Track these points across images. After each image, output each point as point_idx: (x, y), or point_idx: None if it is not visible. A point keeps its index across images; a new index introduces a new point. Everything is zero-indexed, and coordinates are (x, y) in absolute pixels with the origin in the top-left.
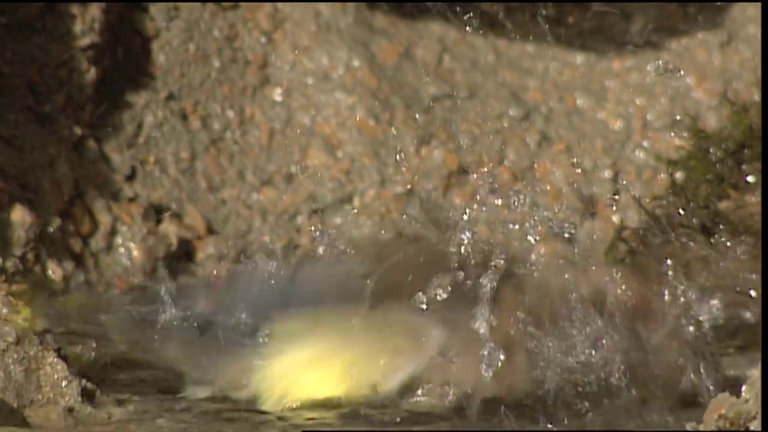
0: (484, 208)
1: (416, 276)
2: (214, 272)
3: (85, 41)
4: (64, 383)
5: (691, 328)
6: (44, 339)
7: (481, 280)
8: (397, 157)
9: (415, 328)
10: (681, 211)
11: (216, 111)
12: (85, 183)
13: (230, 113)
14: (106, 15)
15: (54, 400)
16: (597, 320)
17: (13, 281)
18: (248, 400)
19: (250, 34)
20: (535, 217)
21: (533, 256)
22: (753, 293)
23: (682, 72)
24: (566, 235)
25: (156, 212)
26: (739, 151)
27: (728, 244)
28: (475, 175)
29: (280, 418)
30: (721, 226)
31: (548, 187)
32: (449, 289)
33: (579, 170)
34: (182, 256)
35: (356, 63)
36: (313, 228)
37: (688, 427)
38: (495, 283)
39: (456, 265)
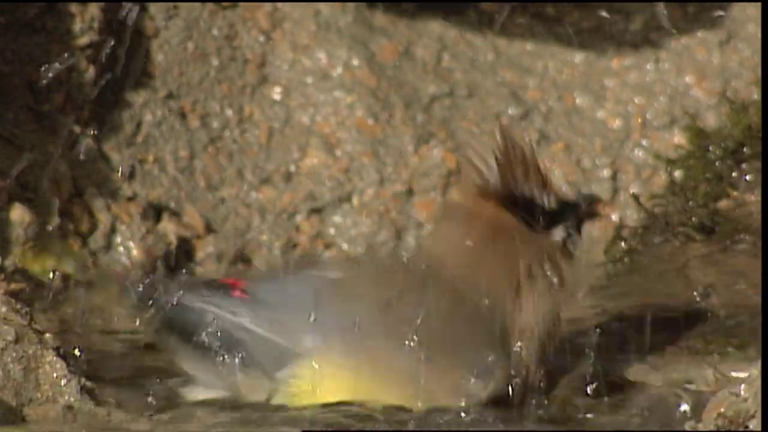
0: None
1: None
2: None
3: (84, 40)
4: (63, 382)
5: None
6: (43, 338)
7: None
8: (397, 156)
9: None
10: (680, 210)
11: (215, 110)
12: (85, 182)
13: (229, 112)
14: (105, 14)
15: (53, 398)
16: None
17: (12, 280)
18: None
19: (249, 33)
20: None
21: None
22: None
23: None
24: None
25: (155, 211)
26: (738, 149)
27: (727, 242)
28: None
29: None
30: (720, 225)
31: None
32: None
33: (578, 169)
34: (181, 255)
35: (355, 62)
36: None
37: (687, 426)
38: None
39: None
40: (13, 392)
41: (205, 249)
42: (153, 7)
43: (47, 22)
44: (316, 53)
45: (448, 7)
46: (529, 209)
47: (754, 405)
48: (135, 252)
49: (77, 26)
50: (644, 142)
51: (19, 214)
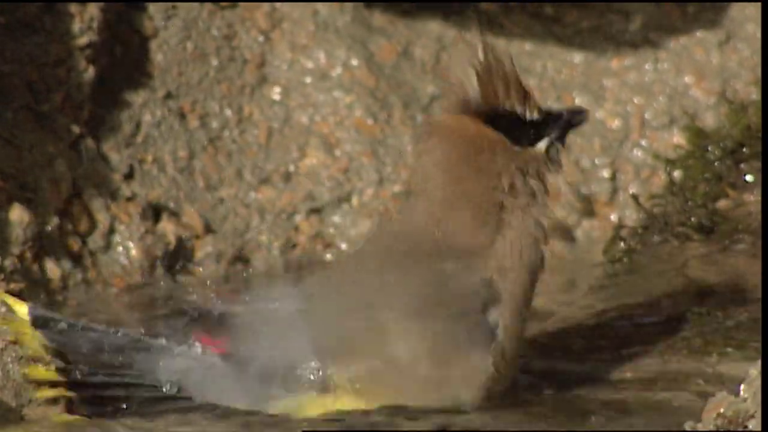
0: None
1: None
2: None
3: (83, 40)
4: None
5: None
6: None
7: None
8: (396, 155)
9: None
10: (679, 210)
11: (214, 110)
12: (84, 182)
13: (228, 112)
14: (104, 14)
15: (52, 399)
16: None
17: (11, 280)
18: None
19: (248, 33)
20: None
21: None
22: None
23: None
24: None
25: (154, 211)
26: (737, 149)
27: (726, 242)
28: None
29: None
30: (719, 225)
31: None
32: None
33: (577, 169)
34: (180, 255)
35: (354, 62)
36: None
37: (687, 426)
38: None
39: None
40: (12, 393)
41: (204, 249)
42: (152, 7)
43: (46, 22)
44: (315, 53)
45: (447, 7)
46: (511, 124)
47: (754, 405)
48: (134, 252)
49: (76, 26)
50: (643, 142)
51: (18, 214)
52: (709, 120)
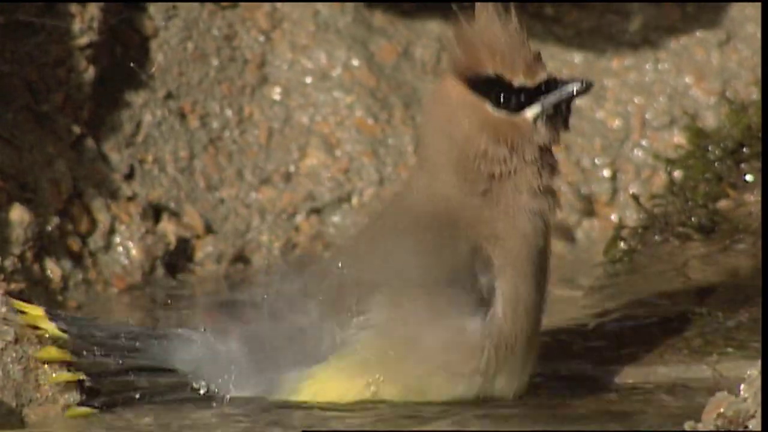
0: None
1: None
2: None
3: (83, 40)
4: (60, 382)
5: None
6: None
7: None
8: (396, 156)
9: None
10: (679, 210)
11: (215, 110)
12: (84, 182)
13: (229, 112)
14: (104, 14)
15: (53, 399)
16: None
17: (11, 280)
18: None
19: (249, 33)
20: None
21: None
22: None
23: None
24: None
25: (154, 211)
26: (737, 150)
27: (727, 242)
28: None
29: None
30: (719, 225)
31: None
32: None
33: (578, 169)
34: (181, 255)
35: (355, 62)
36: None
37: (687, 426)
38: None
39: None
40: (13, 393)
41: (204, 249)
42: (152, 8)
43: (47, 22)
44: (316, 53)
45: (447, 7)
46: (495, 89)
47: (754, 405)
48: (134, 252)
49: (77, 26)
50: (644, 142)
51: (18, 214)
52: (709, 120)
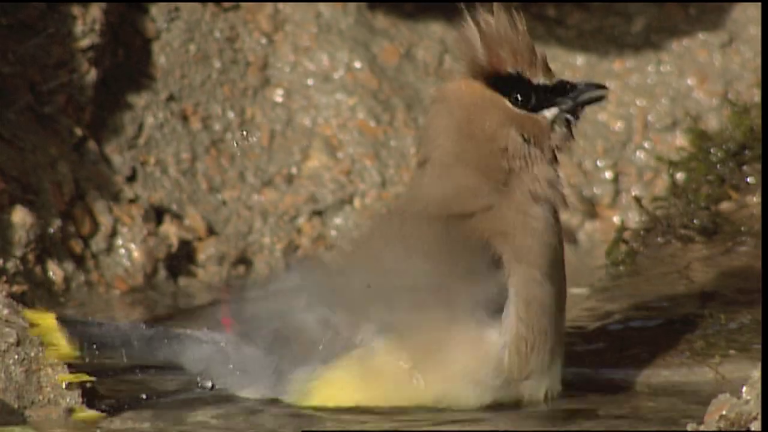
0: None
1: None
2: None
3: (85, 42)
4: (64, 384)
5: None
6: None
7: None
8: (398, 157)
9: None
10: (682, 212)
11: (217, 112)
12: (86, 184)
13: (231, 114)
14: (106, 16)
15: (55, 401)
16: None
17: (13, 282)
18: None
19: (251, 35)
20: None
21: None
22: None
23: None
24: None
25: (156, 213)
26: (740, 152)
27: (729, 244)
28: None
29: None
30: (721, 227)
31: None
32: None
33: (580, 171)
34: (183, 257)
35: (357, 64)
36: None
37: (689, 427)
38: None
39: None
40: (15, 394)
41: (206, 251)
42: (154, 9)
43: (49, 23)
44: (318, 55)
45: (450, 9)
46: (516, 87)
47: (756, 407)
48: (136, 254)
49: (79, 28)
50: (646, 145)
51: (20, 216)
52: (711, 122)
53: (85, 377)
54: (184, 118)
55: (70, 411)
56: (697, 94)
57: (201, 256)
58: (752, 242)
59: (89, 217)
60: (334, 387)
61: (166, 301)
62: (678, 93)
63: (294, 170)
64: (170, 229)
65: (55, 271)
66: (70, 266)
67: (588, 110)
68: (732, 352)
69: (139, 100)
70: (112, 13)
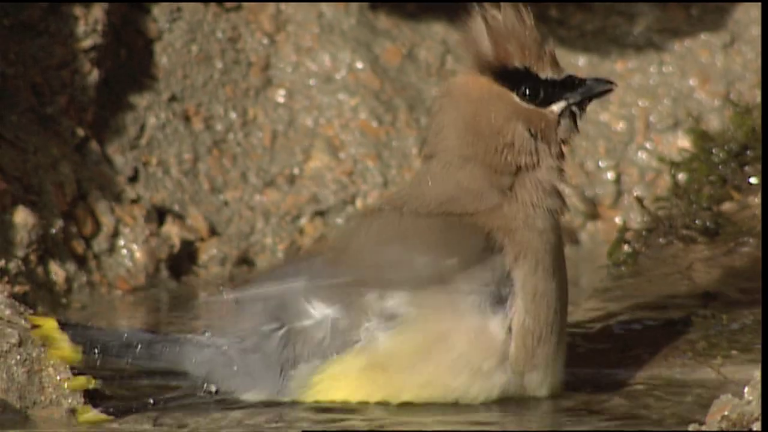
0: None
1: None
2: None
3: (87, 43)
4: (66, 384)
5: None
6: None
7: None
8: (401, 158)
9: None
10: (684, 213)
11: (219, 112)
12: (88, 184)
13: (233, 115)
14: (108, 16)
15: (57, 401)
16: None
17: (15, 283)
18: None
19: (253, 36)
20: None
21: None
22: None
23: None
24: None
25: (158, 214)
26: (742, 152)
27: (731, 245)
28: None
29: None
30: (723, 228)
31: None
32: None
33: (582, 171)
34: (185, 258)
35: (359, 64)
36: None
37: (691, 428)
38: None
39: None
40: (17, 395)
41: (208, 252)
42: (156, 10)
43: (51, 24)
44: (320, 56)
45: (452, 9)
46: (524, 81)
47: (758, 407)
48: (138, 255)
49: (81, 29)
50: (648, 145)
51: (22, 216)
52: (713, 122)
53: (92, 382)
54: (186, 119)
55: (73, 411)
56: (699, 95)
57: (203, 257)
58: (754, 243)
59: (91, 217)
60: (338, 382)
61: (168, 302)
62: (680, 93)
63: (296, 171)
64: (172, 230)
65: (57, 272)
66: (72, 267)
67: (590, 110)
68: (734, 352)
69: (141, 100)
70: (114, 13)
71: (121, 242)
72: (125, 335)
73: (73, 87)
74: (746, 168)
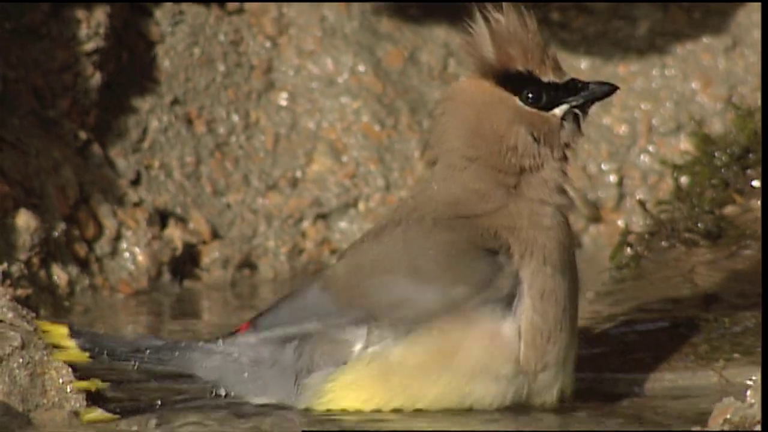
0: None
1: None
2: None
3: (89, 46)
4: (69, 387)
5: None
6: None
7: None
8: (403, 161)
9: None
10: (686, 216)
11: (221, 115)
12: (90, 188)
13: (235, 118)
14: (110, 20)
15: (59, 404)
16: None
17: (18, 286)
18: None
19: (255, 39)
20: None
21: None
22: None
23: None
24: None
25: (161, 217)
26: (744, 155)
27: (733, 248)
28: None
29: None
30: (726, 231)
31: None
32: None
33: (584, 174)
34: (187, 261)
35: (361, 68)
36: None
37: (694, 430)
38: None
39: None
40: (19, 398)
41: (210, 255)
42: (159, 13)
43: (53, 27)
44: (322, 59)
45: (454, 12)
46: (526, 84)
47: (760, 410)
48: (140, 258)
49: (83, 32)
50: (650, 148)
51: (25, 220)
52: (716, 126)
53: (100, 384)
54: (189, 122)
55: (75, 414)
56: (701, 98)
57: (205, 260)
58: (756, 246)
59: (93, 220)
60: (351, 390)
61: (171, 305)
62: (682, 97)
63: (298, 174)
64: (175, 233)
65: (59, 275)
66: (74, 270)
67: (592, 113)
68: (736, 355)
69: (143, 103)
70: (116, 16)
71: (124, 245)
72: (133, 340)
73: (75, 90)
74: (748, 171)
